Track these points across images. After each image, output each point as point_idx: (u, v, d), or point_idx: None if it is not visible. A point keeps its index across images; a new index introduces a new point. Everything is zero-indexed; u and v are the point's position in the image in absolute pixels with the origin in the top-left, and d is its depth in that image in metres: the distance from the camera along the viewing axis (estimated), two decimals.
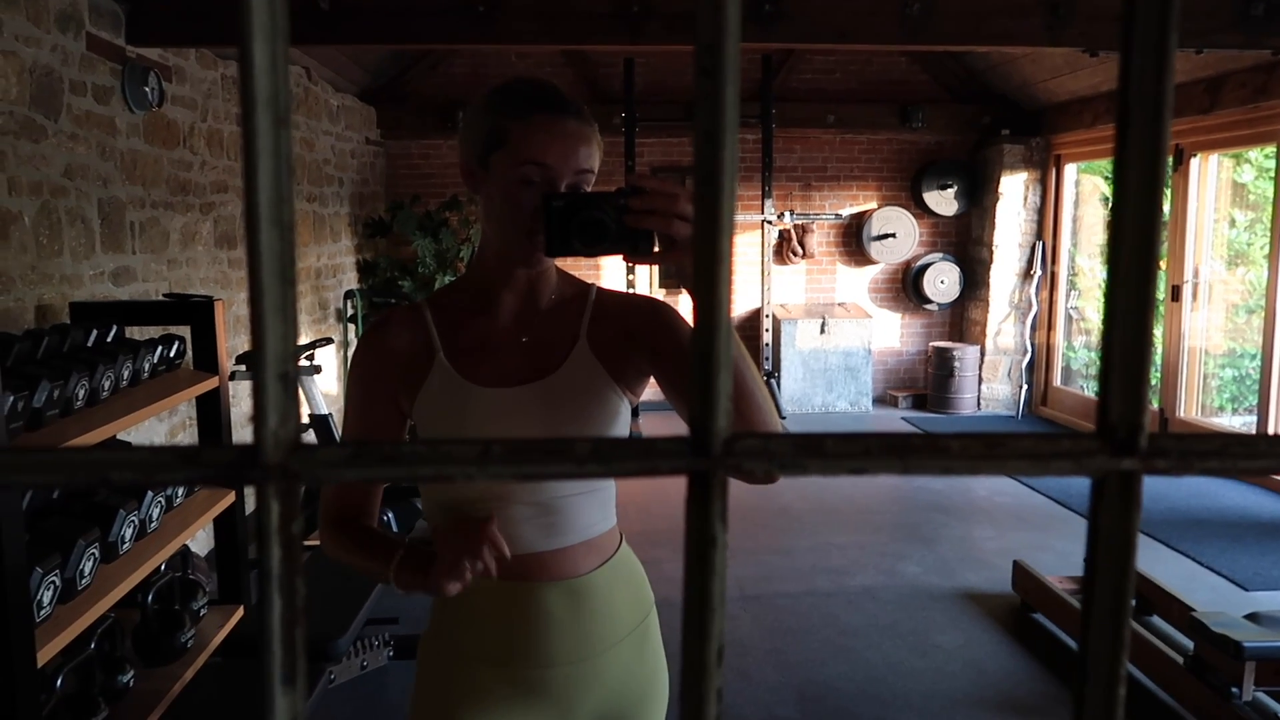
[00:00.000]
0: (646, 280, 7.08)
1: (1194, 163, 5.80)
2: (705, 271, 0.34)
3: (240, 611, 2.93)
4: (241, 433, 3.87)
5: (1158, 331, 6.61)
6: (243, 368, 4.05)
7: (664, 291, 7.08)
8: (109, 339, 2.43)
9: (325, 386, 4.87)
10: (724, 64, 0.34)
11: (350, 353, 5.93)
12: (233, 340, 4.48)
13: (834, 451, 0.33)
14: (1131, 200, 0.31)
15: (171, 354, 2.60)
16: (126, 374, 2.28)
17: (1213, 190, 5.96)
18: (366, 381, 1.23)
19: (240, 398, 4.59)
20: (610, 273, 7.21)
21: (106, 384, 2.15)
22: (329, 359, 5.51)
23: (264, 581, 0.32)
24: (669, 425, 6.05)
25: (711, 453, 0.32)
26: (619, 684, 1.23)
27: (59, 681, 2.04)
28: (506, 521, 1.18)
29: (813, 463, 0.33)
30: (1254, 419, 5.36)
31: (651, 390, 1.27)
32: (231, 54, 4.36)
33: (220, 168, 4.21)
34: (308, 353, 4.25)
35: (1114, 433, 0.32)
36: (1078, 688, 0.34)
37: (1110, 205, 0.31)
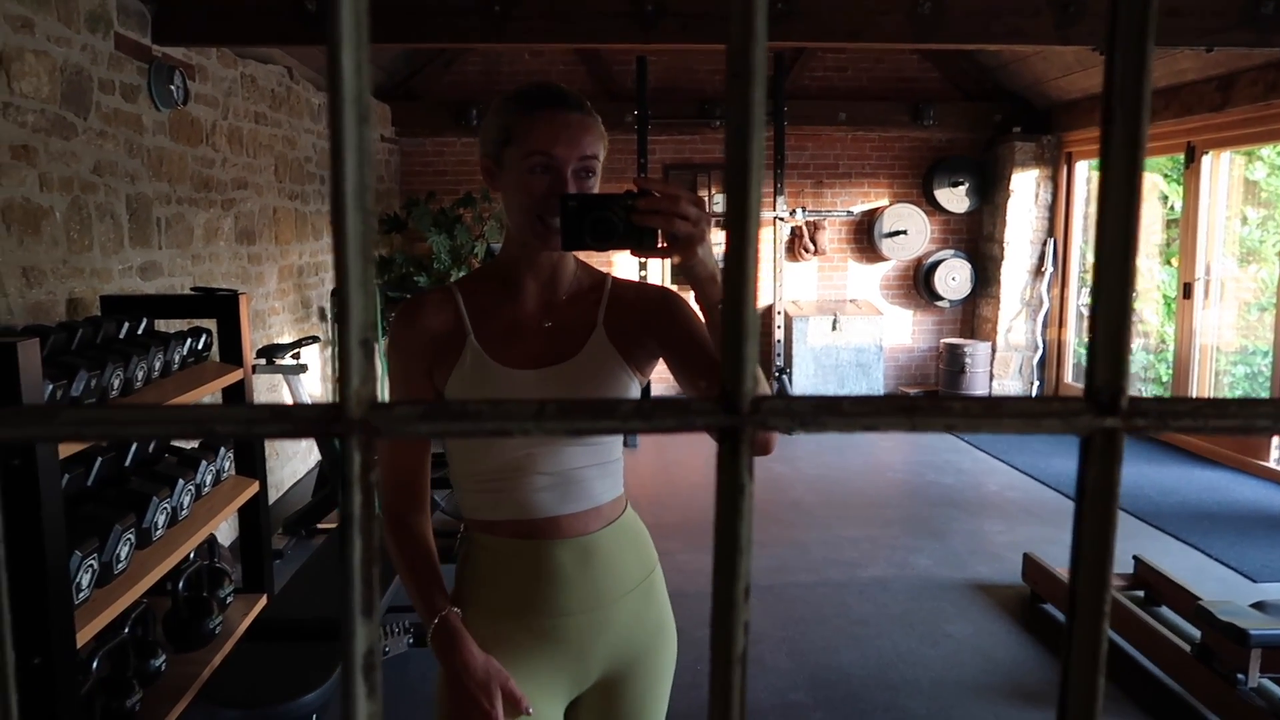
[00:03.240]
0: (659, 277, 7.13)
1: (1206, 160, 5.81)
2: (734, 253, 0.39)
3: (264, 600, 2.99)
4: None
5: (1170, 329, 6.62)
6: (263, 361, 4.11)
7: (676, 287, 7.12)
8: (139, 331, 2.50)
9: (311, 387, 4.84)
10: (752, 67, 0.39)
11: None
12: (253, 334, 4.54)
13: (850, 411, 0.37)
14: (1114, 190, 0.35)
15: (199, 346, 2.67)
16: (158, 365, 2.34)
17: (1225, 188, 5.96)
18: (405, 357, 1.33)
19: (260, 391, 4.66)
20: (623, 267, 7.26)
21: (140, 374, 2.22)
22: (314, 358, 5.49)
23: (345, 524, 0.37)
24: None
25: (741, 411, 0.37)
26: (628, 632, 1.36)
27: (95, 664, 2.10)
28: (528, 489, 1.31)
29: (831, 421, 0.37)
30: None
31: (663, 382, 1.33)
32: (252, 53, 4.42)
33: (240, 165, 4.28)
34: (293, 351, 4.24)
35: (1099, 395, 0.37)
36: (1068, 623, 0.38)
37: (1097, 197, 0.35)
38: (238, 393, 2.86)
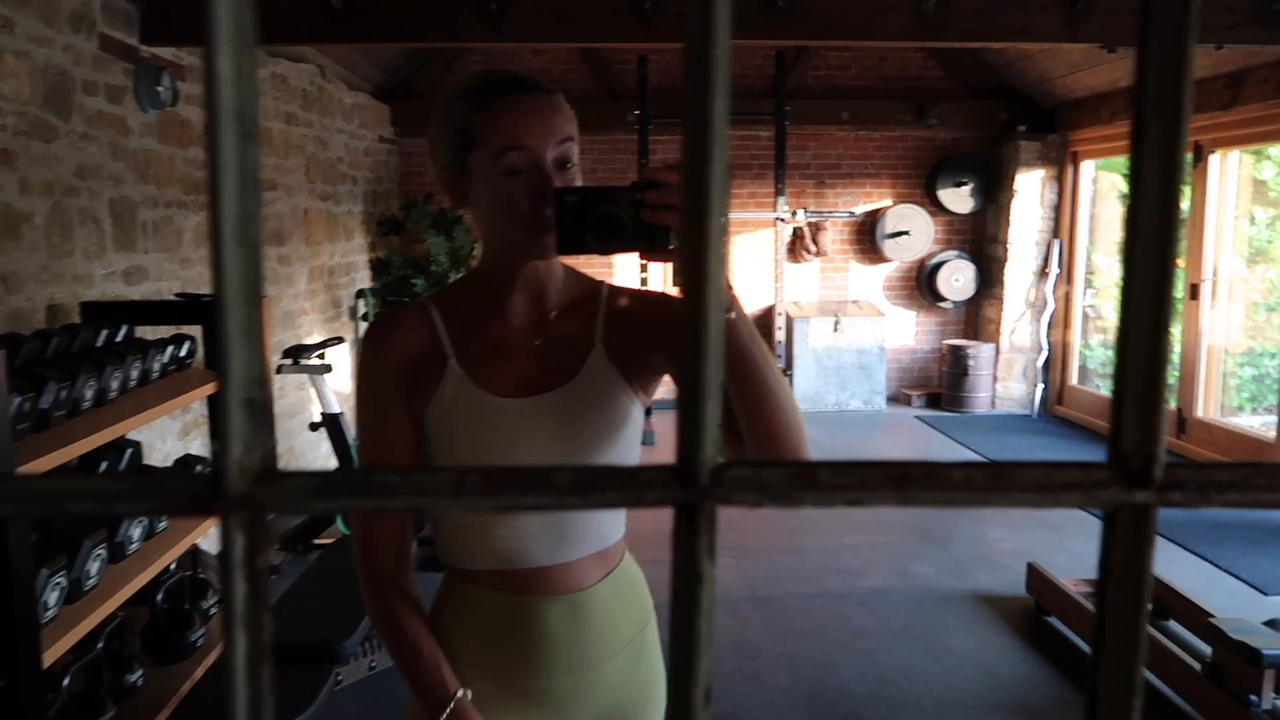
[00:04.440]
0: (659, 277, 7.05)
1: (1213, 159, 5.73)
2: (694, 293, 0.32)
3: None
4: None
5: (1176, 330, 6.54)
6: (289, 361, 4.11)
7: (678, 289, 7.04)
8: (119, 339, 2.43)
9: (338, 385, 4.93)
10: (712, 74, 0.32)
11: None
12: (281, 334, 4.69)
13: (828, 482, 0.32)
14: (1145, 215, 0.29)
15: (182, 354, 2.60)
16: (136, 374, 2.28)
17: (1233, 187, 5.88)
18: (377, 390, 1.17)
19: (287, 390, 4.70)
20: (622, 271, 7.18)
21: (115, 384, 2.15)
22: (341, 358, 5.55)
23: (228, 620, 0.30)
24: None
25: (698, 483, 0.31)
26: (616, 692, 1.22)
27: (66, 681, 2.04)
28: (515, 534, 1.15)
29: (806, 495, 0.31)
30: (1274, 418, 5.29)
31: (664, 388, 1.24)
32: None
33: None
34: (319, 351, 4.27)
35: (1127, 462, 0.31)
36: None
37: (1124, 219, 0.29)
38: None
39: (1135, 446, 0.31)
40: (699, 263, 0.32)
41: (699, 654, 0.31)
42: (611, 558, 1.22)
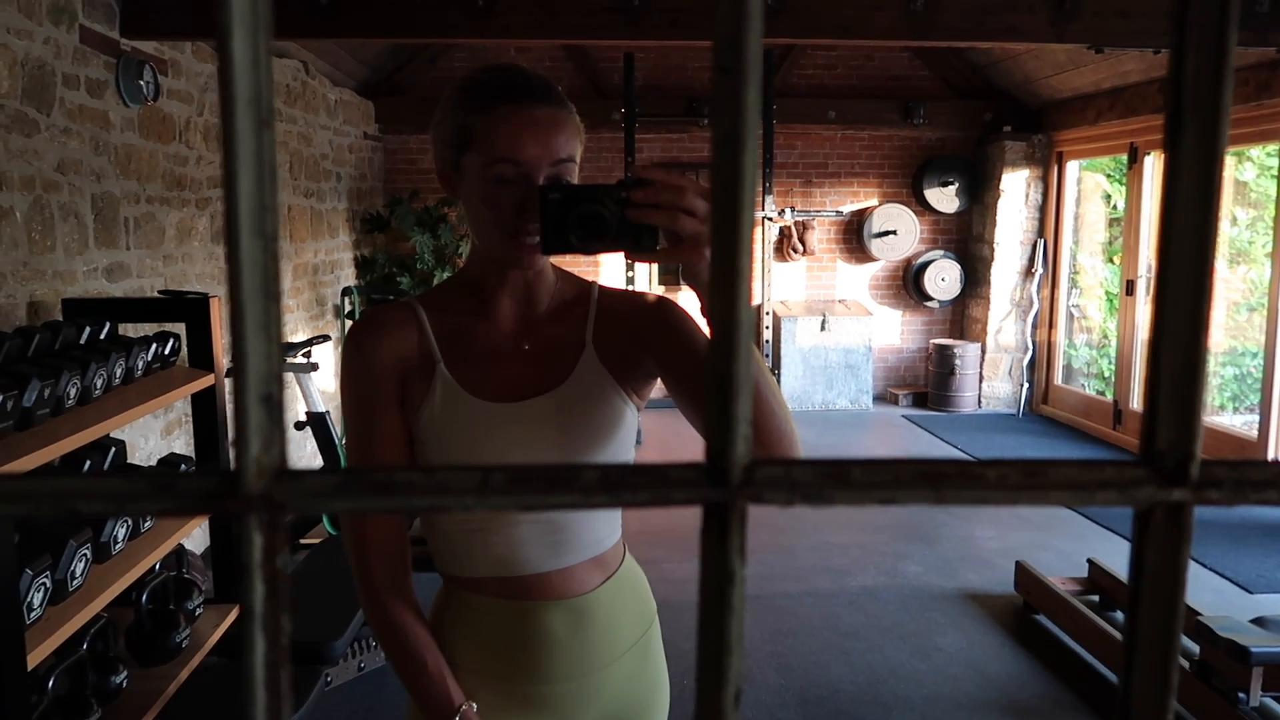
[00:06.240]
0: (645, 277, 7.05)
1: None
2: (724, 288, 0.32)
3: (237, 611, 2.90)
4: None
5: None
6: None
7: (664, 288, 7.04)
8: (102, 336, 2.40)
9: (323, 384, 4.91)
10: (745, 61, 0.31)
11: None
12: (228, 337, 4.57)
13: (861, 481, 0.31)
14: (1182, 214, 0.29)
15: (166, 351, 2.57)
16: (119, 372, 2.24)
17: None
18: (367, 393, 1.13)
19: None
20: (608, 270, 7.17)
21: (99, 382, 2.12)
22: (326, 356, 5.51)
23: (246, 621, 0.30)
24: (669, 421, 6.01)
25: (730, 482, 0.30)
26: (620, 695, 1.21)
27: (50, 683, 2.01)
28: (512, 542, 1.14)
29: (839, 494, 0.31)
30: (1255, 418, 5.34)
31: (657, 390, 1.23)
32: None
33: (217, 162, 4.18)
34: (304, 350, 4.24)
35: (1161, 460, 0.31)
36: None
37: (1160, 218, 0.29)
38: (209, 399, 2.77)
39: (1170, 445, 0.30)
40: (730, 258, 0.31)
41: (730, 655, 0.31)
42: (610, 562, 1.21)
